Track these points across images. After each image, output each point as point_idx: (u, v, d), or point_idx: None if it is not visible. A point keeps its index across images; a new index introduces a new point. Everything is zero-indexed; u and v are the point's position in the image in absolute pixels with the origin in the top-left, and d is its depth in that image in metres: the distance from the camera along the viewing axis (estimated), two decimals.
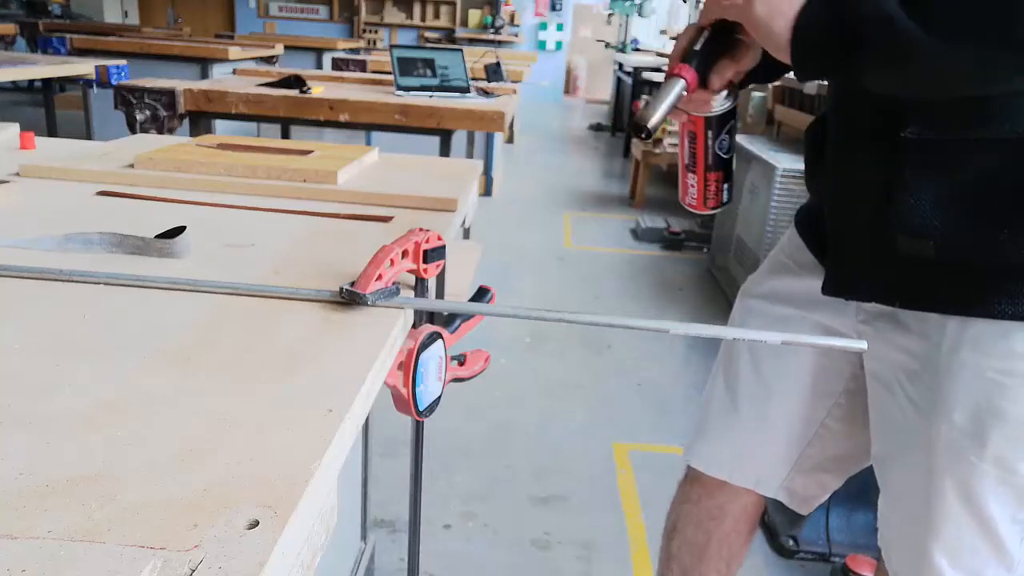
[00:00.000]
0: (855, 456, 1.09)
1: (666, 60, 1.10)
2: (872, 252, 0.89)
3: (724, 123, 0.92)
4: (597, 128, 9.45)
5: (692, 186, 0.98)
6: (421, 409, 0.74)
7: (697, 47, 0.84)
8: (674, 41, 0.90)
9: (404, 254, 0.77)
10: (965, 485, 0.88)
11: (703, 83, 0.85)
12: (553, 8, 11.62)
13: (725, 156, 0.95)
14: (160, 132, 2.56)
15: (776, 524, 1.89)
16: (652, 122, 0.80)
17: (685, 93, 0.83)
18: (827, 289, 0.95)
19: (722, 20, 0.83)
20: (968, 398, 0.86)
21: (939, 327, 0.88)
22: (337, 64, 4.66)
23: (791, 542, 1.86)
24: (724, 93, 0.89)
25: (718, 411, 1.14)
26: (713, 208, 0.98)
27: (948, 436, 0.87)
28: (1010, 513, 0.87)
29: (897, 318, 0.93)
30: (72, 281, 0.75)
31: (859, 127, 0.88)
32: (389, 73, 3.04)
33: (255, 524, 0.41)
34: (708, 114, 0.90)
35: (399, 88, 2.90)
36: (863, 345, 0.76)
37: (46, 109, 4.20)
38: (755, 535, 1.21)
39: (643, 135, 0.81)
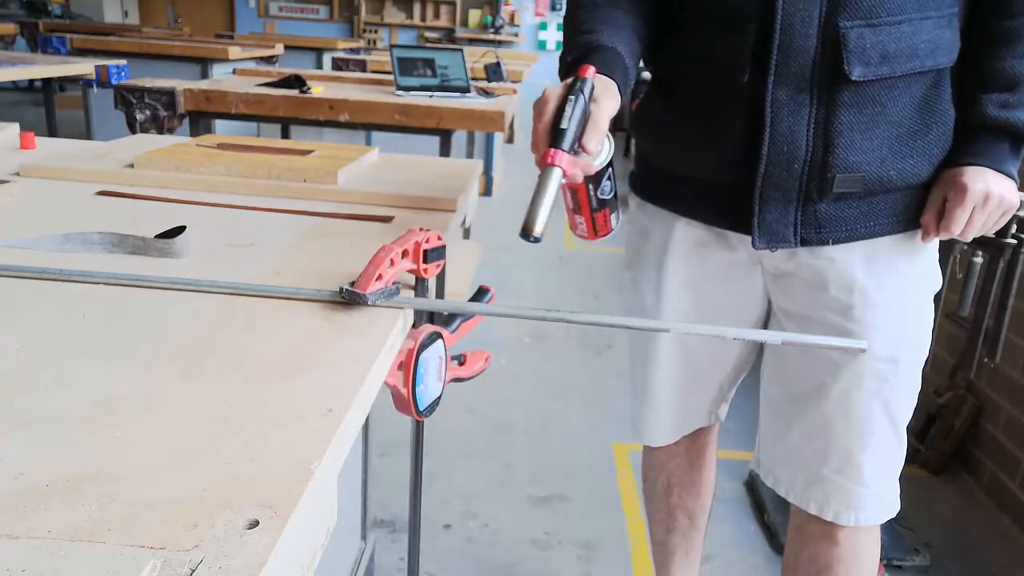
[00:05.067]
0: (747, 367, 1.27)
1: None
2: (804, 198, 0.96)
3: (603, 173, 0.91)
4: None
5: (580, 223, 0.99)
6: (421, 409, 0.74)
7: (563, 125, 0.79)
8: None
9: (404, 254, 0.77)
10: (887, 402, 1.05)
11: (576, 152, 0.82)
12: (553, 8, 11.62)
13: (608, 196, 0.95)
14: (160, 132, 2.56)
15: (776, 524, 1.89)
16: (539, 229, 0.76)
17: (564, 181, 0.80)
18: (759, 243, 0.99)
19: (570, 84, 0.82)
20: (886, 327, 1.01)
21: (848, 264, 1.00)
22: (337, 64, 4.66)
23: None
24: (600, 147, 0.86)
25: (658, 391, 1.24)
26: (604, 236, 0.99)
27: (871, 366, 1.03)
28: (908, 404, 1.08)
29: (799, 275, 1.04)
30: (72, 281, 0.75)
31: (798, 82, 0.92)
32: (389, 73, 3.04)
33: (255, 524, 0.41)
34: (588, 174, 0.87)
35: (399, 88, 2.90)
36: (863, 345, 0.77)
37: (46, 109, 4.19)
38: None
39: (532, 240, 0.77)
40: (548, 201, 0.77)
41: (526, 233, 0.76)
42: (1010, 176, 0.94)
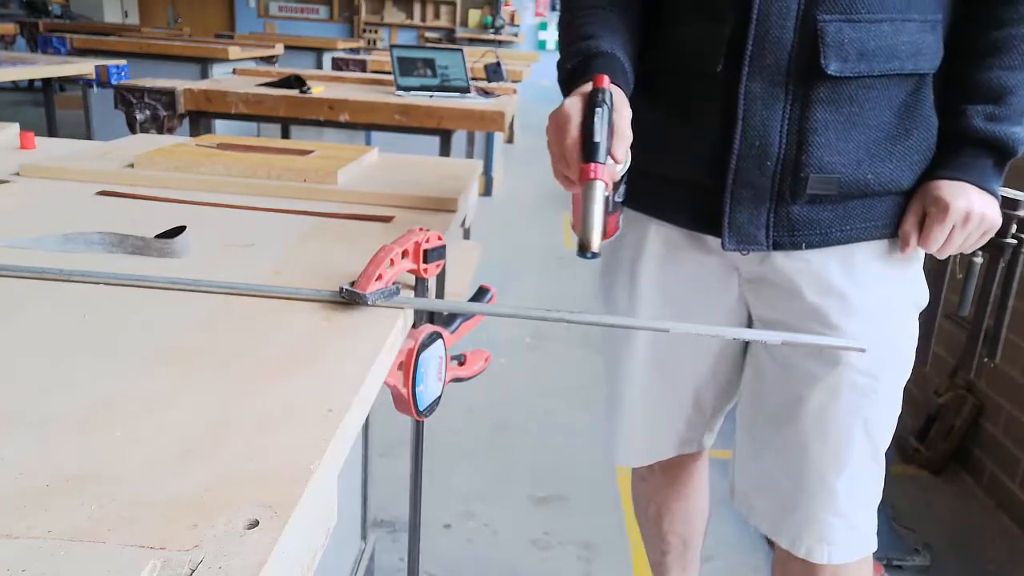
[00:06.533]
0: (733, 393, 1.20)
1: None
2: (777, 199, 0.94)
3: (623, 178, 0.91)
4: None
5: None
6: (421, 409, 0.74)
7: (596, 138, 0.79)
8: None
9: (404, 254, 0.77)
10: (866, 420, 1.00)
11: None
12: (553, 8, 11.62)
13: (621, 200, 0.95)
14: (160, 132, 2.56)
15: None
16: (596, 243, 0.76)
17: (607, 193, 0.80)
18: (729, 244, 0.96)
19: (591, 96, 0.82)
20: (866, 336, 0.93)
21: (822, 266, 0.96)
22: (337, 64, 4.67)
23: None
24: None
25: (627, 406, 1.20)
26: (612, 237, 0.98)
27: (850, 379, 0.98)
28: (888, 427, 1.03)
29: (772, 279, 1.00)
30: (72, 281, 0.75)
31: (773, 76, 0.90)
32: (389, 73, 3.04)
33: (255, 524, 0.41)
34: (614, 180, 0.87)
35: (399, 88, 2.90)
36: (863, 347, 0.77)
37: (46, 109, 4.19)
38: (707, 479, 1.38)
39: (590, 257, 0.77)
40: (599, 215, 0.77)
41: (584, 250, 0.76)
42: (992, 194, 0.91)
